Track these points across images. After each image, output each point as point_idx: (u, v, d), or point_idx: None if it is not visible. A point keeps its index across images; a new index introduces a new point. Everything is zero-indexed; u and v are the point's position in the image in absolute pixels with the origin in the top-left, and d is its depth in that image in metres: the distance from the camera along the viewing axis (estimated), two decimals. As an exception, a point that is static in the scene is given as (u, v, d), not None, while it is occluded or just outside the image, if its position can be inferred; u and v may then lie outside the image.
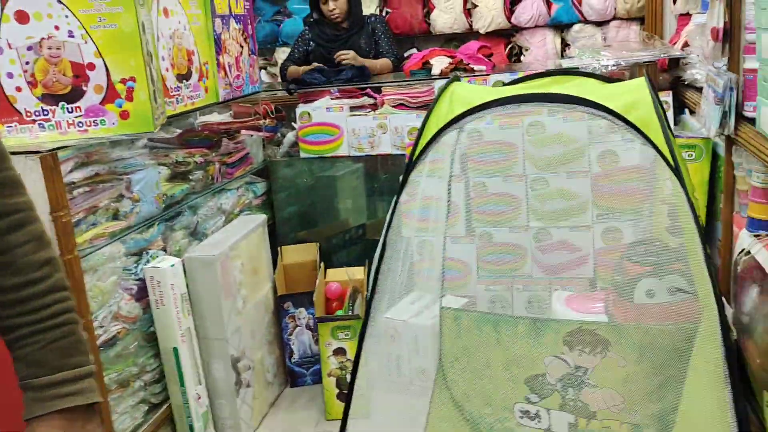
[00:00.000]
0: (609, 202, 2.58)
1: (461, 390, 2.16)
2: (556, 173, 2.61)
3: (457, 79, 1.50)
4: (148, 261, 2.20)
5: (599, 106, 1.14)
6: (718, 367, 1.11)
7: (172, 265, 2.18)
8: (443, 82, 2.79)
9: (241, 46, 2.82)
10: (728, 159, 1.98)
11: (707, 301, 1.12)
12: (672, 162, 1.11)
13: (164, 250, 2.32)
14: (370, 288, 1.55)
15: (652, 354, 1.82)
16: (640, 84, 1.24)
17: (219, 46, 2.60)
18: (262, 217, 2.74)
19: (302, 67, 3.27)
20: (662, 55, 2.65)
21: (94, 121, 1.92)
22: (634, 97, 1.18)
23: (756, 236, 1.75)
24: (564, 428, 2.02)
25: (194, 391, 2.25)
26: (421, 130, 1.39)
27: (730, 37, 1.90)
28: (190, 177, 2.52)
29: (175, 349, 2.19)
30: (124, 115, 1.92)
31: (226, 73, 2.66)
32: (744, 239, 1.80)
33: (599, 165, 2.56)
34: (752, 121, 1.76)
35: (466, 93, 1.39)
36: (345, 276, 2.74)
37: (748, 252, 1.73)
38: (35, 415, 0.93)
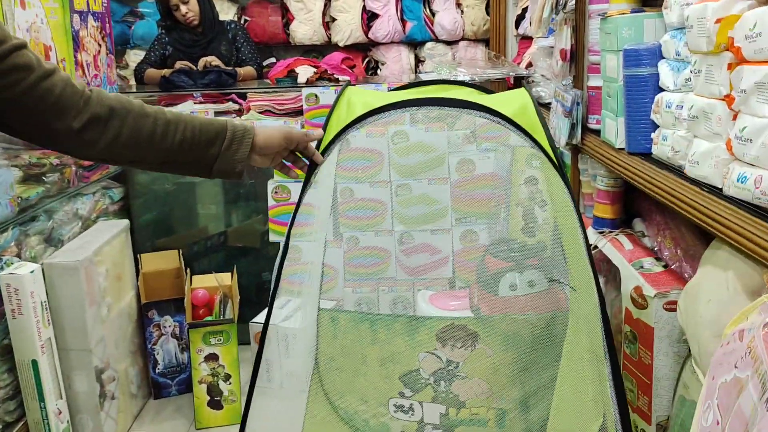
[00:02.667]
0: (466, 207, 2.78)
1: (337, 389, 2.22)
2: (419, 180, 2.77)
3: (350, 84, 1.57)
4: (2, 268, 2.04)
5: (496, 112, 1.26)
6: (598, 344, 1.26)
7: (32, 272, 2.04)
8: (309, 90, 2.87)
9: (99, 45, 2.71)
10: (574, 166, 2.23)
11: (588, 287, 1.27)
12: (556, 161, 1.26)
13: (18, 256, 2.16)
14: (272, 290, 1.55)
15: (516, 342, 1.99)
16: (522, 93, 1.38)
17: (77, 43, 2.48)
18: (124, 222, 2.64)
19: (163, 70, 3.19)
20: (511, 73, 2.90)
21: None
22: (519, 103, 1.32)
23: (601, 233, 1.99)
24: (436, 418, 2.14)
25: (54, 406, 2.11)
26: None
27: (575, 58, 2.15)
28: (45, 179, 2.37)
29: (34, 362, 2.04)
30: (-18, 109, 1.78)
31: (84, 72, 2.54)
32: (591, 236, 2.04)
33: (457, 173, 2.75)
34: (596, 132, 2.00)
35: (362, 97, 1.46)
36: (213, 282, 2.70)
37: (596, 247, 1.97)
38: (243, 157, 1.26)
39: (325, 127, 1.40)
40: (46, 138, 1.12)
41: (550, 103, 2.39)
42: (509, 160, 2.41)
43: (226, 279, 2.71)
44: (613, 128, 1.80)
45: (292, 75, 3.06)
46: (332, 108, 1.42)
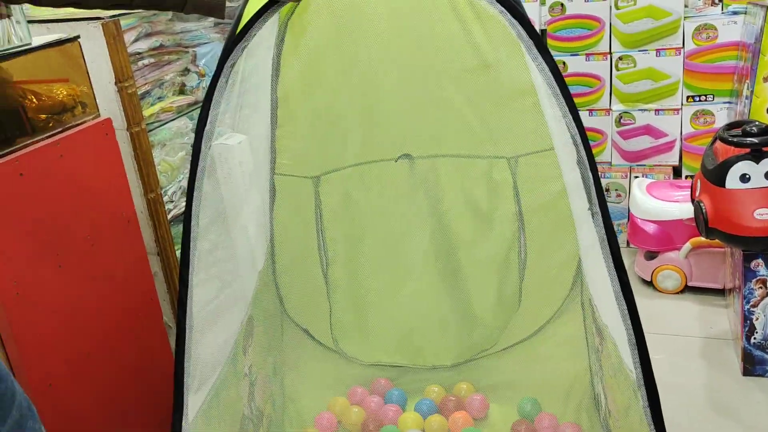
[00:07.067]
0: (701, 82, 2.38)
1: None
2: (644, 51, 2.41)
3: None
4: (217, 137, 2.18)
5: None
6: None
7: (240, 143, 2.15)
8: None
9: None
10: None
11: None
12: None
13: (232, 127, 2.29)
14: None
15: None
16: None
17: None
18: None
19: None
20: None
21: (156, -11, 1.84)
22: None
23: None
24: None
25: (263, 268, 2.27)
26: None
27: None
28: (257, 53, 2.44)
29: (244, 227, 2.19)
30: (186, -18, 1.83)
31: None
32: None
33: (694, 41, 2.34)
34: None
35: None
36: None
37: None
38: None
39: None
40: None
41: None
42: (761, 24, 1.97)
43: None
44: None
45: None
46: None
